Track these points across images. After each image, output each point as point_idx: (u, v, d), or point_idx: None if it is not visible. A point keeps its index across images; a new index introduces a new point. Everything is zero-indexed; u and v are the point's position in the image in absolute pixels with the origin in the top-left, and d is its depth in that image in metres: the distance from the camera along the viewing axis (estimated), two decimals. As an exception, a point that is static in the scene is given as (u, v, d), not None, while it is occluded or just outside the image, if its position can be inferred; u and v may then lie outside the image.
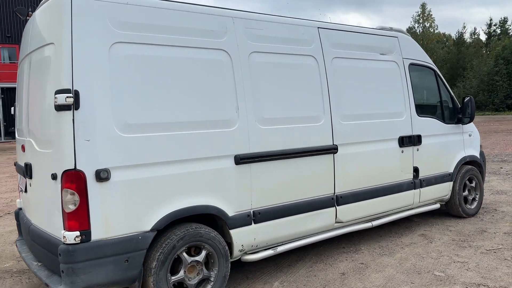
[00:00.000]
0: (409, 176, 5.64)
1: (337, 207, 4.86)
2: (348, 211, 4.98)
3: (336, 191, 4.86)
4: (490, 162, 11.71)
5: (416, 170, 5.72)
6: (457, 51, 60.22)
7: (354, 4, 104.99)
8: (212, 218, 4.04)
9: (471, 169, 6.52)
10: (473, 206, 6.58)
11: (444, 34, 69.00)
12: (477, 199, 6.65)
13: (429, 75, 6.25)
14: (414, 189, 5.70)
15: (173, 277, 3.70)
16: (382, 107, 5.36)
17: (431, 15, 66.83)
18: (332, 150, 4.80)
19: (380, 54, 5.46)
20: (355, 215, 5.09)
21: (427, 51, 35.07)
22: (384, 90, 5.42)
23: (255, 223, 4.20)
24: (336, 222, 4.90)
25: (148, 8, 3.68)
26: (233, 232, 4.06)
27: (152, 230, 3.57)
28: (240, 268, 4.71)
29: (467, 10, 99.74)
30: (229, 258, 4.03)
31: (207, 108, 3.91)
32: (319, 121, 4.70)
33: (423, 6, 66.66)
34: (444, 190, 6.15)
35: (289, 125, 4.47)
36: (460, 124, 6.33)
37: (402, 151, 5.54)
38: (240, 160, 4.06)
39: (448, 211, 6.49)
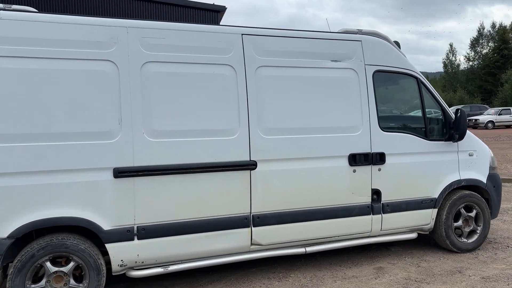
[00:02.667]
0: (364, 199, 4.93)
1: (252, 228, 4.47)
2: (268, 234, 4.54)
3: (252, 211, 4.47)
4: None
5: (376, 193, 4.98)
6: None
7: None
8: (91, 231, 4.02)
9: (469, 196, 5.45)
10: (470, 240, 5.49)
11: None
12: (478, 232, 5.53)
13: (408, 83, 5.38)
14: (373, 214, 4.97)
15: (33, 285, 3.77)
16: (325, 120, 4.77)
17: None
18: (248, 166, 4.42)
19: (332, 61, 4.86)
20: (280, 239, 4.61)
21: None
22: (331, 102, 4.81)
23: (138, 239, 4.07)
24: (252, 245, 4.50)
25: (24, 22, 3.80)
26: (109, 246, 3.99)
27: (9, 237, 3.68)
28: (159, 281, 4.61)
29: None
30: (102, 272, 3.97)
31: (83, 120, 3.89)
32: (232, 135, 4.37)
33: None
34: (422, 218, 5.25)
35: (190, 138, 4.23)
36: (453, 142, 5.33)
37: (354, 171, 4.86)
38: (119, 173, 3.96)
39: (438, 243, 5.53)
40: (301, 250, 4.74)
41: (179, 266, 4.28)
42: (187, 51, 4.29)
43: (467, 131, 5.55)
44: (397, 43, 5.61)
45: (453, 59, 70.85)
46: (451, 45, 72.29)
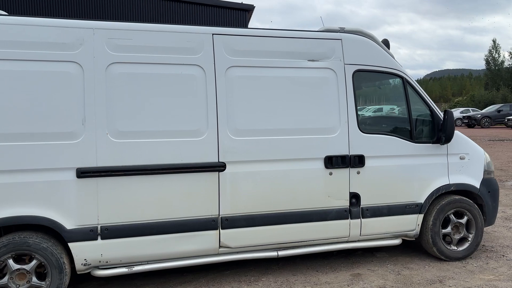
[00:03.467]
0: (341, 203, 4.77)
1: (221, 230, 4.42)
2: (237, 236, 4.48)
3: (221, 213, 4.41)
4: None
5: (355, 196, 4.81)
6: None
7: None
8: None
9: (459, 201, 5.17)
10: (460, 248, 5.21)
11: None
12: (469, 239, 5.24)
13: (393, 83, 5.17)
14: (350, 218, 4.80)
15: (-4, 281, 3.88)
16: (300, 121, 4.64)
17: None
18: (216, 167, 4.37)
19: (308, 60, 4.73)
20: (249, 242, 4.54)
21: None
22: (306, 102, 4.68)
23: (102, 238, 4.10)
24: (221, 247, 4.45)
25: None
26: (72, 246, 4.04)
27: None
28: (131, 280, 4.65)
29: None
30: (65, 270, 4.02)
31: (47, 120, 3.95)
32: (200, 136, 4.33)
33: None
34: (406, 223, 5.03)
35: (156, 139, 4.22)
36: (440, 144, 5.07)
37: (331, 173, 4.71)
38: (82, 173, 4.01)
39: (426, 250, 5.29)
40: (273, 253, 4.64)
41: (145, 267, 4.29)
42: (154, 51, 4.28)
43: (460, 133, 5.29)
44: (386, 42, 5.41)
45: (496, 55, 67.82)
46: (494, 41, 68.75)
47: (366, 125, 4.90)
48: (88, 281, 4.60)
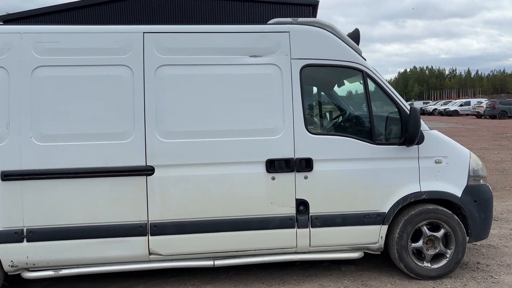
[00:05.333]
0: (286, 210, 4.36)
1: (150, 237, 4.24)
2: (167, 244, 4.27)
3: (150, 219, 4.24)
4: None
5: (303, 203, 4.38)
6: None
7: None
8: None
9: (433, 211, 4.49)
10: (435, 266, 4.52)
11: None
12: (447, 256, 4.53)
13: (352, 78, 4.62)
14: (297, 228, 4.38)
15: None
16: (238, 122, 4.32)
17: None
18: (144, 171, 4.21)
19: (250, 56, 4.38)
20: (181, 250, 4.31)
21: None
22: (246, 102, 4.34)
23: (28, 241, 4.13)
24: (151, 254, 4.28)
25: None
26: (-2, 247, 4.12)
27: None
28: (77, 282, 4.67)
29: None
30: None
31: None
32: (126, 138, 4.20)
33: None
34: (365, 235, 4.47)
35: (81, 142, 4.16)
36: (407, 146, 4.44)
37: (273, 178, 4.33)
38: (5, 176, 4.06)
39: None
40: (208, 263, 4.37)
41: (72, 271, 4.25)
42: (82, 53, 4.22)
43: (437, 133, 4.62)
44: (356, 33, 4.89)
45: None
46: None
47: (315, 126, 4.43)
48: (39, 282, 4.67)
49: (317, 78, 4.63)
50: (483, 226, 4.65)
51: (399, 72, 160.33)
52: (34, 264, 4.19)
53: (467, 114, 45.93)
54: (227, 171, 4.30)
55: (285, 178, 4.34)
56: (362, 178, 4.43)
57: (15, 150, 4.09)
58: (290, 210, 4.37)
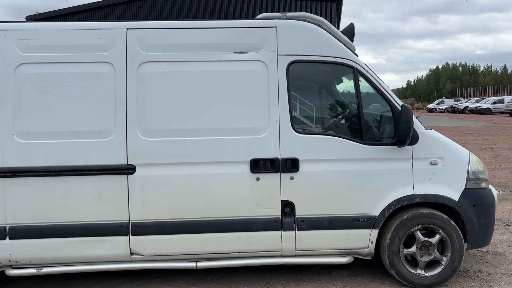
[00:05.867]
0: (271, 212, 4.21)
1: (131, 237, 4.18)
2: (149, 244, 4.20)
3: (131, 219, 4.17)
4: None
5: (289, 205, 4.22)
6: None
7: None
8: None
9: (427, 216, 4.25)
10: (430, 273, 4.28)
11: None
12: (443, 263, 4.28)
13: (342, 74, 4.41)
14: (283, 230, 4.22)
15: None
16: (222, 120, 4.19)
17: None
18: (125, 170, 4.14)
19: (236, 52, 4.25)
20: (163, 250, 4.22)
21: None
22: (231, 99, 4.21)
23: (10, 238, 4.13)
24: (132, 254, 4.21)
25: None
26: (-19, 244, 4.13)
27: None
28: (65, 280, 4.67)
29: None
30: None
31: None
32: (107, 137, 4.14)
33: None
34: (355, 239, 4.27)
35: (62, 140, 4.12)
36: (399, 147, 4.21)
37: (258, 179, 4.18)
38: (-13, 173, 4.08)
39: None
40: (191, 264, 4.27)
41: (53, 269, 4.23)
42: (65, 50, 4.18)
43: (433, 133, 4.37)
44: (350, 28, 4.69)
45: None
46: None
47: (302, 124, 4.26)
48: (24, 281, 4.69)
49: (305, 75, 4.45)
50: (483, 232, 4.37)
51: (430, 69, 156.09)
52: (16, 262, 4.19)
53: (501, 112, 44.32)
54: (209, 171, 4.18)
55: (270, 179, 4.19)
56: (351, 180, 4.23)
57: (-3, 148, 4.09)
58: (275, 212, 4.22)
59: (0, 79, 4.11)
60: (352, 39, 4.75)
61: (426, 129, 4.34)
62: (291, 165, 4.17)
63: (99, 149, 4.13)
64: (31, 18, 30.25)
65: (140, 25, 4.28)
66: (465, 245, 4.36)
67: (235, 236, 4.22)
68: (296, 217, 4.22)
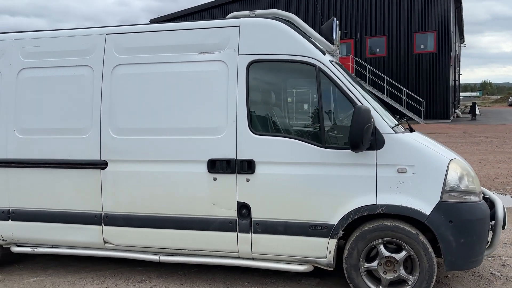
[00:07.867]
0: (228, 213, 4.21)
1: (104, 226, 4.54)
2: (118, 235, 4.51)
3: (104, 210, 4.53)
4: None
5: (245, 207, 4.17)
6: None
7: None
8: None
9: (392, 229, 3.83)
10: (394, 292, 3.86)
11: None
12: (409, 283, 3.82)
13: (304, 73, 4.15)
14: (238, 232, 4.18)
15: None
16: (182, 120, 4.30)
17: None
18: (98, 165, 4.51)
19: (200, 53, 4.32)
20: (130, 242, 4.50)
21: None
22: (192, 100, 4.29)
23: (12, 220, 4.79)
24: (106, 243, 4.57)
25: None
26: (-9, 223, 4.86)
27: None
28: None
29: None
30: None
31: None
32: (85, 134, 4.55)
33: None
34: (310, 247, 4.04)
35: (50, 136, 4.64)
36: (370, 150, 3.85)
37: (215, 179, 4.21)
38: (-5, 163, 4.78)
39: (357, 285, 4.11)
40: (154, 257, 4.48)
41: (45, 250, 4.81)
42: (57, 55, 4.69)
43: (402, 136, 3.94)
44: (329, 24, 4.43)
45: None
46: None
47: (260, 126, 4.15)
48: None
49: (267, 75, 4.31)
50: (462, 253, 3.79)
51: None
52: (17, 240, 4.85)
53: None
54: (169, 169, 4.33)
55: (227, 180, 4.19)
56: (308, 185, 4.01)
57: (3, 141, 4.76)
58: (231, 213, 4.20)
59: (7, 83, 4.77)
60: (331, 35, 4.46)
61: (396, 132, 3.91)
62: (247, 166, 4.11)
63: (79, 145, 4.56)
64: (155, 21, 33.34)
65: (117, 30, 4.59)
66: (435, 265, 3.83)
67: (194, 234, 4.31)
68: (252, 219, 4.16)
